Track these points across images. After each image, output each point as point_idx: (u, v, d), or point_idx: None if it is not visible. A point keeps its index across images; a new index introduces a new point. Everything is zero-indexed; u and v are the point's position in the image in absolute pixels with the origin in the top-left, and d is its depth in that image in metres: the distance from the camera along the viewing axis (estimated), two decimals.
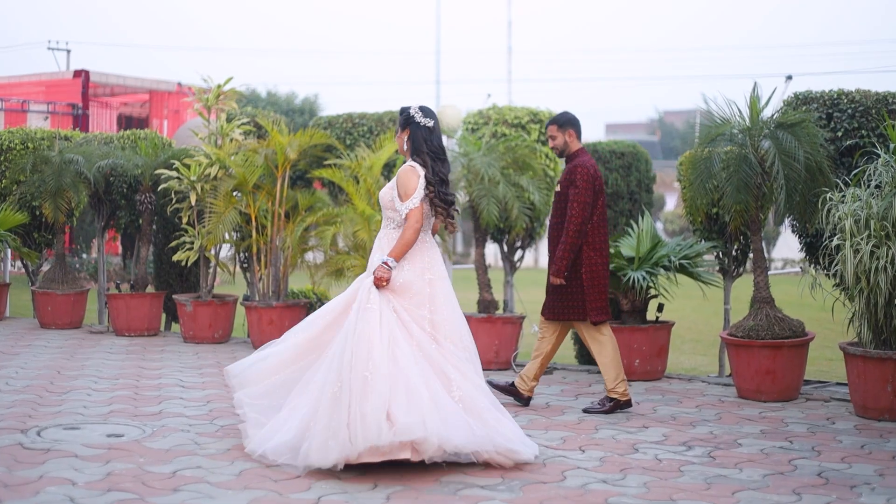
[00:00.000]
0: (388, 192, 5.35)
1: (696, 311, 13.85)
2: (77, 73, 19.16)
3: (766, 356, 6.76)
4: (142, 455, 5.08)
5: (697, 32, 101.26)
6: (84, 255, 17.03)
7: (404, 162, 5.44)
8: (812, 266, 7.37)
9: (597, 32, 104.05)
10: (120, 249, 12.64)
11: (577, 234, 6.30)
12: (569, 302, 6.39)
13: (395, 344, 4.96)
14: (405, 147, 5.44)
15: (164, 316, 10.63)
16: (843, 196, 6.41)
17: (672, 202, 32.90)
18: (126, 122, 22.15)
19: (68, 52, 25.07)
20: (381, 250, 5.28)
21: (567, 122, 6.56)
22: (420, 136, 5.37)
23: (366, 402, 4.73)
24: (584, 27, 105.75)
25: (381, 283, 5.10)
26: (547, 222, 9.52)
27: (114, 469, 4.79)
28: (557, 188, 6.57)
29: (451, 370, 5.05)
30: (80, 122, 17.99)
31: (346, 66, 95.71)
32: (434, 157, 5.35)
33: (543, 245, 23.16)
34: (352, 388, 4.78)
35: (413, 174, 5.28)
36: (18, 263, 12.80)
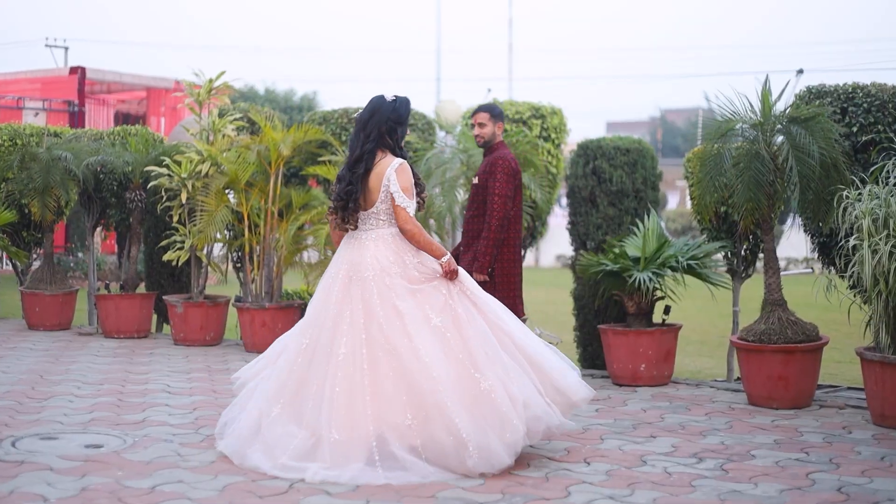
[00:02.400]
0: None
1: (700, 312, 13.55)
2: (73, 70, 18.91)
3: (779, 361, 6.48)
4: (120, 468, 4.79)
5: (699, 31, 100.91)
6: (80, 255, 16.76)
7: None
8: (825, 267, 7.08)
9: (598, 31, 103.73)
10: (116, 248, 12.40)
11: (500, 228, 6.21)
12: None
13: None
14: None
15: (155, 317, 10.34)
16: (860, 194, 6.12)
17: (674, 201, 32.62)
18: (123, 119, 21.91)
19: (66, 49, 24.83)
20: None
21: (500, 115, 6.51)
22: None
23: None
24: (586, 25, 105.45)
25: None
26: (549, 221, 9.29)
27: (89, 484, 4.50)
28: (475, 180, 6.48)
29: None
30: (76, 119, 17.73)
31: (347, 64, 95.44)
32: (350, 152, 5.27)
33: (545, 245, 22.93)
34: None
35: None
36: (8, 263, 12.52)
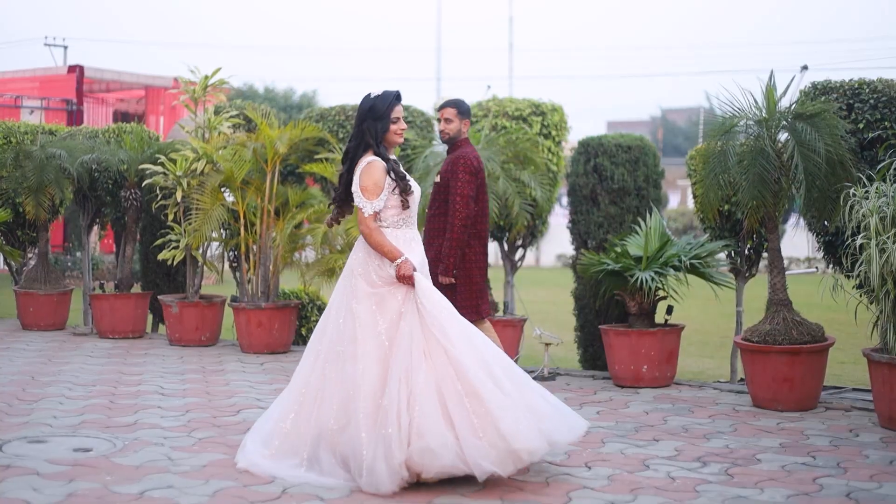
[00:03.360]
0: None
1: (701, 312, 13.45)
2: (71, 69, 18.79)
3: (784, 363, 6.34)
4: (109, 472, 4.66)
5: (700, 28, 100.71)
6: (78, 254, 16.66)
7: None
8: (831, 266, 6.94)
9: (598, 29, 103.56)
10: (115, 248, 12.30)
11: (463, 228, 6.05)
12: None
13: None
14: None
15: (151, 317, 10.22)
16: (867, 191, 5.99)
17: (675, 200, 32.47)
18: (122, 118, 21.79)
19: (65, 48, 24.72)
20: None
21: (467, 112, 6.38)
22: None
23: None
24: (586, 24, 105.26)
25: None
26: (549, 220, 9.17)
27: (76, 489, 4.38)
28: (437, 179, 6.32)
29: None
30: (75, 118, 17.62)
31: (347, 63, 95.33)
32: None
33: (546, 244, 22.78)
34: None
35: None
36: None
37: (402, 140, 5.03)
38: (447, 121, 6.32)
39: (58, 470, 4.67)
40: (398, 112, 4.94)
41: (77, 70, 18.51)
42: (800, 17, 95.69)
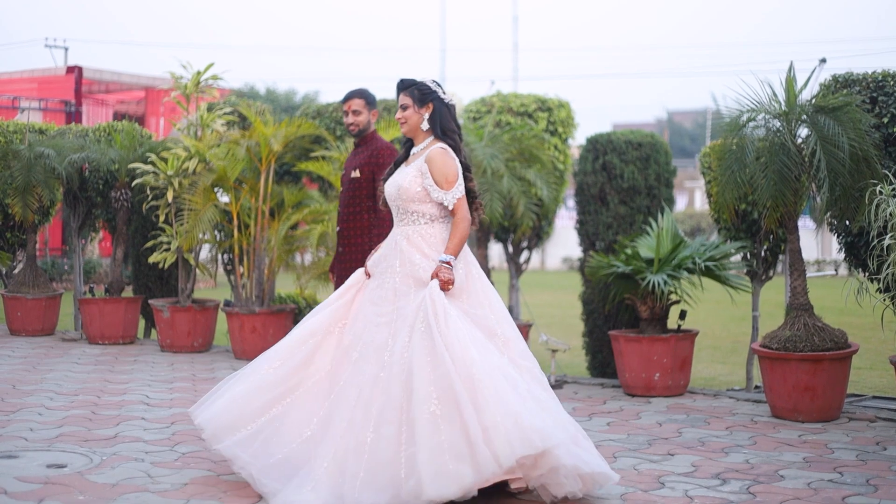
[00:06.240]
0: (414, 181, 4.51)
1: (711, 316, 13.08)
2: (70, 69, 18.52)
3: (805, 371, 5.98)
4: (82, 491, 4.31)
5: (705, 27, 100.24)
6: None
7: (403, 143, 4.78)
8: (854, 268, 6.58)
9: (603, 28, 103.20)
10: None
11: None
12: None
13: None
14: (424, 126, 4.62)
15: (143, 322, 9.88)
16: (894, 189, 5.63)
17: (682, 202, 32.10)
18: (122, 119, 21.50)
19: (66, 49, 24.46)
20: (418, 249, 4.49)
21: (374, 102, 6.10)
22: (447, 114, 4.65)
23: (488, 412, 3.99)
24: (591, 23, 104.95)
25: (447, 286, 4.34)
26: (556, 222, 8.82)
27: None
28: (356, 173, 5.95)
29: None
30: (73, 119, 17.33)
31: (351, 63, 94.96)
32: (461, 140, 4.71)
33: (550, 244, 22.43)
34: (463, 401, 3.99)
35: (450, 157, 4.56)
36: None
37: (403, 129, 4.70)
38: (355, 113, 6.04)
39: (27, 489, 4.33)
40: (400, 101, 4.69)
41: (76, 71, 18.24)
42: (802, 16, 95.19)
